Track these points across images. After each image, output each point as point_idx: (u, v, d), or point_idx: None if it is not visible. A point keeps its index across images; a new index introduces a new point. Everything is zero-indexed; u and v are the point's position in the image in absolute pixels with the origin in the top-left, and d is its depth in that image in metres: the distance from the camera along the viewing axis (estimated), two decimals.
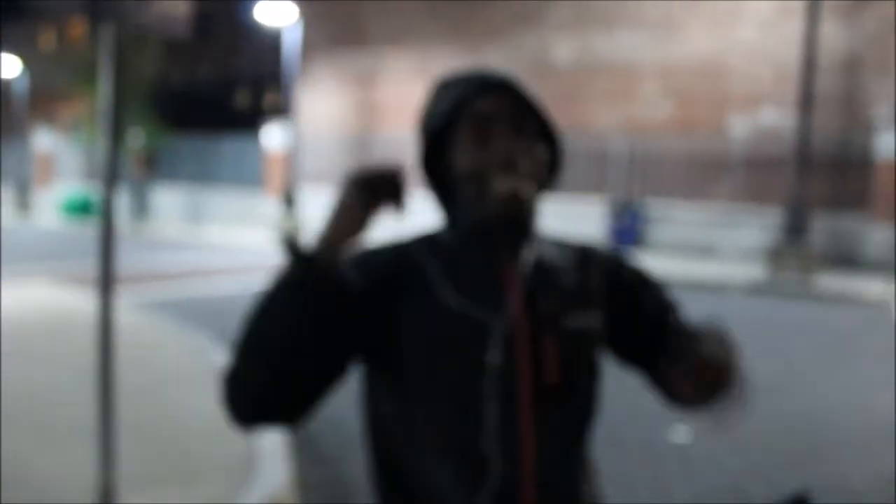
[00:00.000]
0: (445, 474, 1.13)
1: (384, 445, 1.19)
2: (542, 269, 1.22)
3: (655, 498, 3.89)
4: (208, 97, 26.58)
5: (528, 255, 1.22)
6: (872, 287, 12.33)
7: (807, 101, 12.94)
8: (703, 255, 15.56)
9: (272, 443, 4.08)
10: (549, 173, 1.24)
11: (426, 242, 1.24)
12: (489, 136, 1.16)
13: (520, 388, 1.14)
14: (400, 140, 19.82)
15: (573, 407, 1.21)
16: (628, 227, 15.89)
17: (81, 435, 3.65)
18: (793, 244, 13.10)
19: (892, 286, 12.04)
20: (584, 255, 1.29)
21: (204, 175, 22.16)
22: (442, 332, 1.15)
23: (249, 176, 21.41)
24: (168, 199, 22.98)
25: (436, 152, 1.22)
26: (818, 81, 13.27)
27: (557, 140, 1.24)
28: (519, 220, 1.18)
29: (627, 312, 1.30)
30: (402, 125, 19.76)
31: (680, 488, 4.02)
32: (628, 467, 4.21)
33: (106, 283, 3.10)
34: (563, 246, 1.30)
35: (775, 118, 15.22)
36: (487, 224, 1.17)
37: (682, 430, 4.56)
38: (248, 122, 23.61)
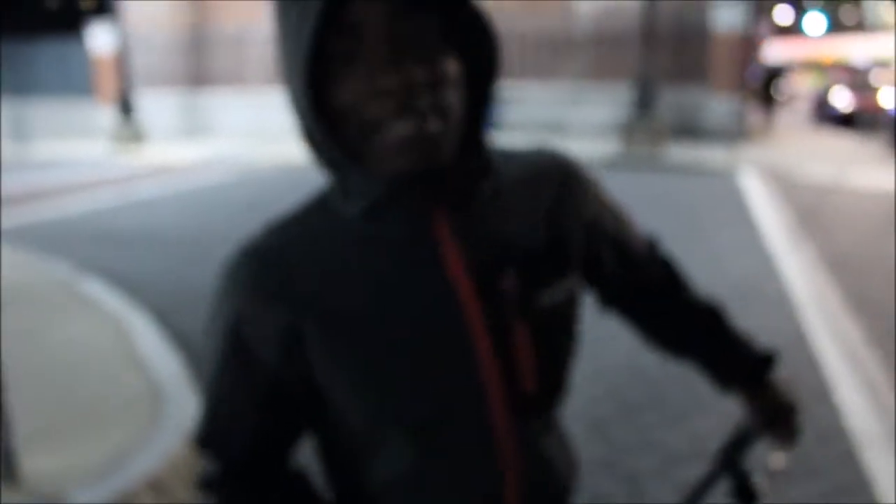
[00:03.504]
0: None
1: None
2: (495, 227, 0.89)
3: None
4: None
5: (472, 211, 0.88)
6: (715, 155, 13.15)
7: None
8: (556, 133, 15.96)
9: (169, 372, 3.90)
10: (476, 81, 0.85)
11: (323, 225, 0.88)
12: (361, 63, 0.78)
13: (490, 407, 0.89)
14: (238, 32, 18.72)
15: (554, 405, 0.98)
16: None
17: None
18: (641, 118, 13.67)
19: (733, 153, 12.87)
20: (556, 189, 0.95)
21: (23, 85, 20.08)
22: (372, 360, 0.86)
23: (76, 83, 19.64)
24: None
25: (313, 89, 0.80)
26: None
27: (485, 33, 0.84)
28: (437, 171, 0.82)
29: (604, 252, 1.05)
30: (238, 17, 18.63)
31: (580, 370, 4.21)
32: None
33: None
34: (529, 175, 0.95)
35: None
36: (394, 187, 0.82)
37: None
38: (67, 22, 21.45)
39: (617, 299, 1.17)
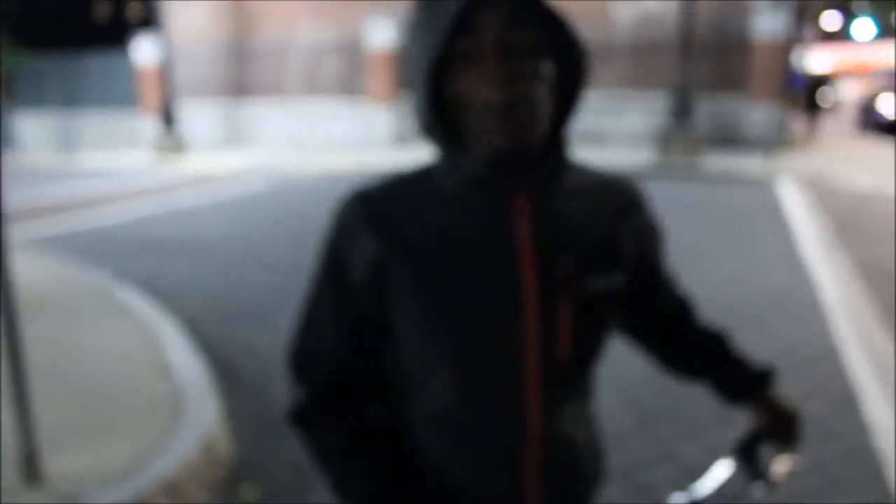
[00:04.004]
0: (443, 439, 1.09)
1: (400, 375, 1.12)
2: (564, 217, 1.07)
3: None
4: (65, 11, 24.51)
5: (547, 199, 1.05)
6: (753, 164, 12.95)
7: None
8: (592, 143, 15.87)
9: (193, 379, 3.97)
10: (566, 92, 1.05)
11: (423, 188, 1.07)
12: (481, 57, 0.97)
13: (527, 363, 1.04)
14: (279, 43, 19.00)
15: (581, 380, 1.13)
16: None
17: None
18: (678, 127, 13.52)
19: (771, 162, 12.65)
20: (621, 203, 1.14)
21: (71, 97, 20.66)
22: (440, 299, 1.02)
23: (121, 95, 20.12)
24: (34, 127, 21.40)
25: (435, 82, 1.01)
26: None
27: (577, 50, 1.02)
28: (524, 156, 1.00)
29: (643, 282, 1.22)
30: (279, 28, 18.91)
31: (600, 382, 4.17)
32: None
33: None
34: (599, 186, 1.13)
35: (657, 3, 15.37)
36: (489, 163, 1.00)
37: None
38: (114, 36, 22.00)
39: (634, 325, 1.32)
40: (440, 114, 1.01)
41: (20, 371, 2.90)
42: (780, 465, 1.34)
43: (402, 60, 1.05)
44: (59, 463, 3.02)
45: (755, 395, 1.31)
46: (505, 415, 1.05)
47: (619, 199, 1.14)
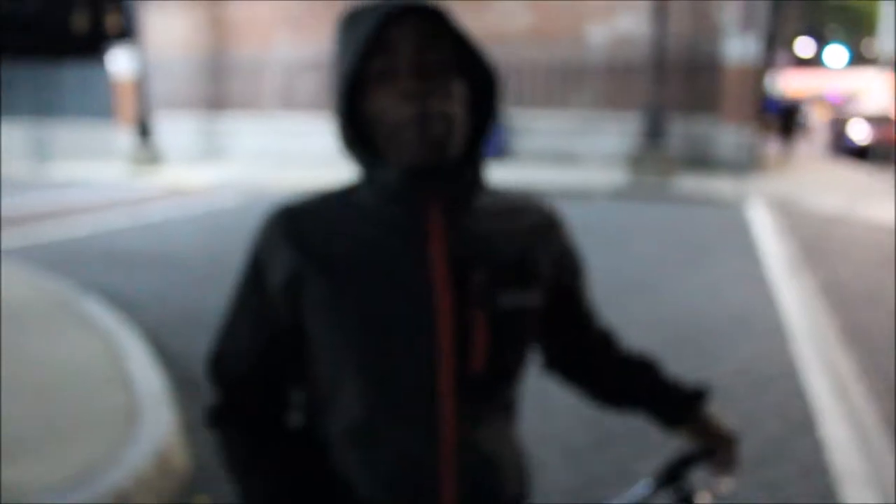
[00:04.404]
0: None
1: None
2: (479, 233, 1.09)
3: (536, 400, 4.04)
4: (41, 20, 24.37)
5: (462, 213, 1.07)
6: (724, 186, 13.11)
7: (660, 7, 13.29)
8: (566, 163, 16.00)
9: (151, 390, 3.93)
10: (479, 113, 1.09)
11: (344, 204, 1.10)
12: (395, 75, 1.01)
13: (439, 377, 1.04)
14: (256, 58, 19.00)
15: (498, 397, 1.12)
16: (492, 138, 15.98)
17: None
18: (651, 148, 13.68)
19: (741, 185, 12.83)
20: (537, 223, 1.16)
21: (45, 108, 20.50)
22: (352, 311, 1.04)
23: (97, 106, 19.99)
24: (7, 136, 21.16)
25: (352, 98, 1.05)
26: None
27: (487, 71, 1.07)
28: (439, 169, 1.03)
29: (563, 306, 1.23)
30: (256, 43, 18.92)
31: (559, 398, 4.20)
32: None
33: None
34: (515, 205, 1.16)
35: (631, 25, 15.58)
36: (404, 177, 1.02)
37: None
38: (90, 46, 21.91)
39: (559, 361, 1.33)
40: (359, 130, 1.05)
41: None
42: (721, 489, 1.31)
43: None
44: (10, 472, 2.98)
45: (690, 417, 1.29)
46: (418, 429, 1.05)
47: (535, 219, 1.16)
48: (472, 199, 1.09)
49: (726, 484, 1.31)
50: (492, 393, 1.10)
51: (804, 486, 3.29)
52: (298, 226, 1.07)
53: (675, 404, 1.29)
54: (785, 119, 21.34)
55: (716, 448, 1.30)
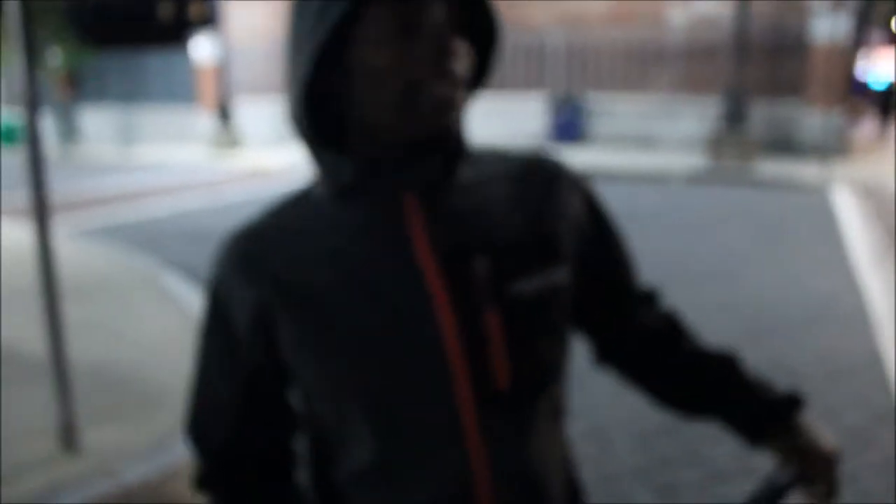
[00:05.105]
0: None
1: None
2: (470, 212, 0.88)
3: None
4: (130, 10, 25.24)
5: (444, 194, 0.88)
6: (808, 171, 12.66)
7: None
8: (644, 147, 15.70)
9: None
10: (473, 77, 0.90)
11: (303, 212, 0.91)
12: (418, 23, 0.81)
13: (457, 399, 0.85)
14: None
15: (536, 406, 0.91)
16: (569, 122, 15.88)
17: (37, 374, 3.58)
18: (732, 132, 13.30)
19: (827, 169, 12.36)
20: (543, 181, 0.94)
21: (132, 93, 21.27)
22: (339, 343, 0.85)
23: (180, 91, 20.62)
24: (96, 120, 22.06)
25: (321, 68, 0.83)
26: None
27: (493, 29, 0.89)
28: (427, 146, 0.85)
29: (594, 276, 1.00)
30: None
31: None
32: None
33: (41, 212, 2.97)
34: (510, 168, 0.94)
35: (712, 6, 15.14)
36: (366, 162, 0.85)
37: None
38: (174, 34, 22.57)
39: (614, 352, 1.09)
40: (314, 111, 0.86)
41: (60, 349, 3.03)
42: None
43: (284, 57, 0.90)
44: (96, 437, 3.14)
45: (780, 431, 1.04)
46: (443, 458, 0.87)
47: (538, 178, 0.94)
48: (453, 174, 0.89)
49: None
50: (526, 403, 0.89)
51: (884, 479, 3.18)
52: (255, 252, 0.88)
53: (762, 413, 1.04)
54: (882, 100, 20.41)
55: (812, 471, 1.03)
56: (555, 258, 0.91)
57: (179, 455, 2.99)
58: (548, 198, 0.93)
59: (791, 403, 1.04)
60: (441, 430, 0.86)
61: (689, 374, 1.06)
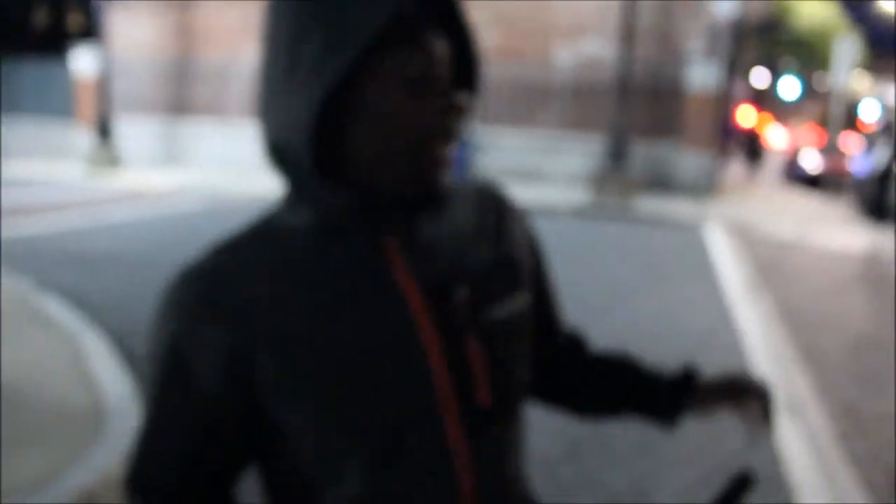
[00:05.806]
0: None
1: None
2: (444, 241, 0.91)
3: None
4: (1, 16, 23.90)
5: (422, 233, 0.90)
6: (684, 208, 13.39)
7: (627, 32, 13.56)
8: (530, 181, 16.15)
9: (117, 392, 3.88)
10: None
11: (272, 245, 0.87)
12: (431, 76, 0.83)
13: (446, 423, 0.88)
14: (222, 64, 18.86)
15: (513, 422, 0.96)
16: (459, 155, 16.13)
17: None
18: (614, 169, 13.89)
19: (701, 207, 13.10)
20: (498, 209, 0.99)
21: (2, 104, 20.09)
22: (327, 383, 0.84)
23: (57, 105, 19.63)
24: None
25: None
26: (638, 14, 13.93)
27: (475, 71, 0.92)
28: (434, 194, 0.89)
29: (541, 297, 1.07)
30: (222, 49, 18.78)
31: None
32: None
33: None
34: (470, 196, 0.98)
35: (598, 48, 15.86)
36: (369, 201, 0.85)
37: None
38: (51, 44, 21.53)
39: (541, 378, 1.12)
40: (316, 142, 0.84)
41: None
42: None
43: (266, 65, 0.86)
44: None
45: (695, 396, 1.10)
46: (433, 480, 0.89)
47: (498, 206, 1.00)
48: (426, 210, 0.91)
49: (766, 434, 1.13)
50: (505, 420, 0.94)
51: (761, 498, 3.38)
52: (216, 295, 0.84)
53: (676, 391, 1.11)
54: (748, 146, 21.98)
55: (738, 401, 1.09)
56: (520, 284, 0.97)
57: (62, 491, 2.81)
58: (502, 225, 0.98)
59: (691, 372, 1.12)
60: (431, 454, 0.88)
61: (599, 378, 1.13)
